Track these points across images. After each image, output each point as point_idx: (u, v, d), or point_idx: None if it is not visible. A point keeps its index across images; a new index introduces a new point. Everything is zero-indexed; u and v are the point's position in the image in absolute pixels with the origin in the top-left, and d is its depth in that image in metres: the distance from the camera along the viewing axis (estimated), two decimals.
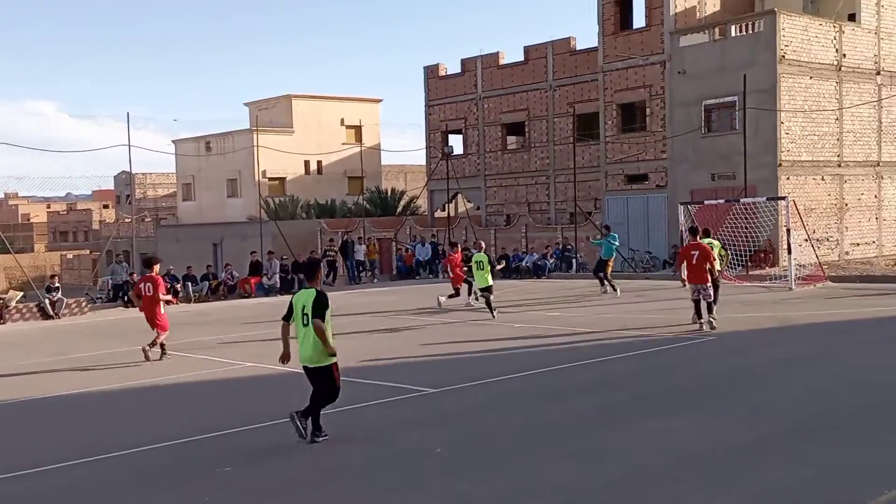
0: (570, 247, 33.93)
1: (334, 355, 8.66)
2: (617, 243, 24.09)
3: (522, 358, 13.77)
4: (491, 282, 19.67)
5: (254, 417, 10.03)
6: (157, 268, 15.75)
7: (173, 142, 58.04)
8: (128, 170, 35.62)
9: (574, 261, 32.90)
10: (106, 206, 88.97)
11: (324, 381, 8.71)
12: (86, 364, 15.17)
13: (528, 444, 8.44)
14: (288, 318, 8.93)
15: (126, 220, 54.98)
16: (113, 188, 78.09)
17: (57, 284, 26.36)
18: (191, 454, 8.66)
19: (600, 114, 36.62)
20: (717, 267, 16.92)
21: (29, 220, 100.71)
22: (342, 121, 57.38)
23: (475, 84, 43.13)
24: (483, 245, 21.51)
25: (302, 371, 8.87)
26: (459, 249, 23.33)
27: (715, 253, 16.86)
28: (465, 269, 21.38)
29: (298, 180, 54.69)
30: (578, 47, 39.41)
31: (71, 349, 17.55)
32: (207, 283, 29.46)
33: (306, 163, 54.90)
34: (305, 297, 8.76)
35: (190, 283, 28.92)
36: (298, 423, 8.53)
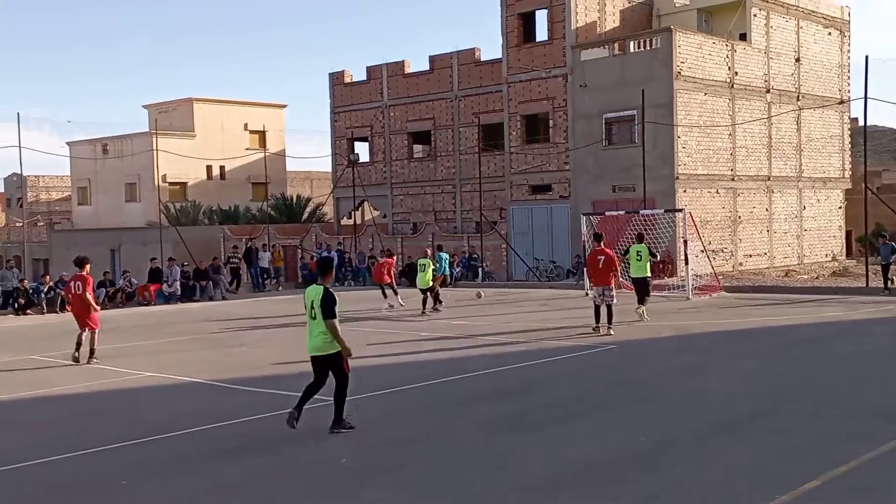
0: (476, 255, 34.23)
1: (350, 354, 9.32)
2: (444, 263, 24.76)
3: (427, 367, 13.82)
4: (430, 283, 21.88)
5: (150, 428, 9.77)
6: (87, 267, 15.66)
7: (68, 144, 56.05)
8: (19, 172, 34.22)
9: (480, 269, 33.22)
10: None
11: (333, 368, 9.26)
12: None
13: (434, 453, 8.48)
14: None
15: (17, 224, 52.76)
16: (2, 191, 74.77)
17: None
18: (89, 466, 8.37)
19: (505, 124, 37.09)
20: (647, 270, 18.85)
21: None
22: (246, 125, 56.48)
23: (381, 92, 43.10)
24: (428, 251, 23.41)
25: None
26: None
27: (645, 255, 18.65)
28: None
29: (200, 185, 53.54)
30: (483, 58, 39.85)
31: None
32: (104, 290, 28.51)
33: (209, 168, 53.82)
34: (314, 292, 9.29)
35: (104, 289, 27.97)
36: (294, 415, 9.19)
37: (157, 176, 43.90)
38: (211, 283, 30.13)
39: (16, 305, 26.53)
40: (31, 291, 27.22)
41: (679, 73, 31.96)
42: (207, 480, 7.74)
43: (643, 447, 8.34)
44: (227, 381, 12.82)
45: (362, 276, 33.70)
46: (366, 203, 43.77)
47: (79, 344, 15.32)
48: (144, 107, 57.41)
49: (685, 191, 32.19)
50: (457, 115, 40.38)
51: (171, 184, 51.12)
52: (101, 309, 27.05)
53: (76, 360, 15.15)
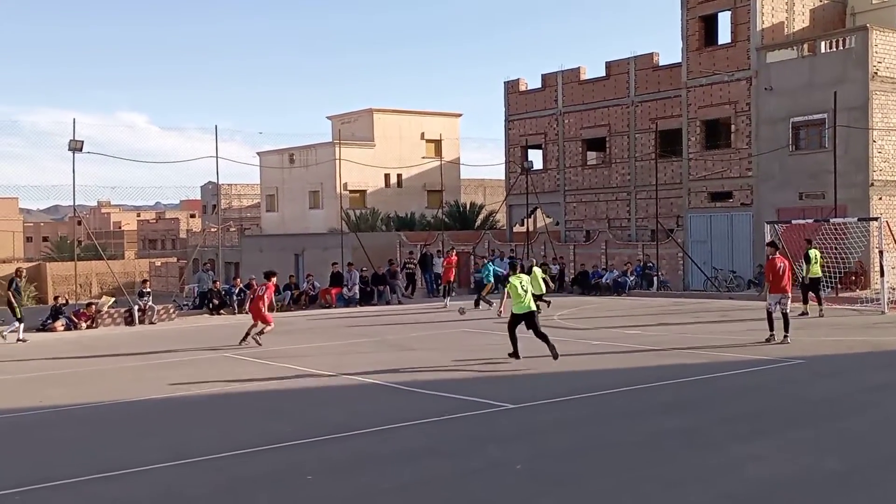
0: (651, 264, 33.44)
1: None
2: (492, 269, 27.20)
3: (601, 376, 13.63)
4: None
5: (334, 427, 10.16)
6: (274, 279, 19.48)
7: (258, 154, 59.33)
8: (214, 180, 36.53)
9: (655, 278, 32.43)
10: (193, 216, 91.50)
11: (534, 317, 14.63)
12: (173, 368, 15.60)
13: (609, 465, 8.34)
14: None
15: (212, 229, 56.38)
16: (200, 198, 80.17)
17: (148, 290, 27.21)
18: (274, 461, 8.80)
19: (683, 130, 36.07)
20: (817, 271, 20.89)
21: (120, 227, 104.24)
22: (422, 135, 57.84)
23: (555, 99, 42.98)
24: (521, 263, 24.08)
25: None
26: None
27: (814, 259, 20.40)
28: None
29: (378, 193, 55.29)
30: (661, 63, 38.95)
31: (160, 353, 18.08)
32: (290, 292, 29.97)
33: (386, 176, 55.49)
34: (525, 279, 15.11)
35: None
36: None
37: (339, 184, 45.71)
38: (388, 287, 31.01)
39: (210, 306, 28.33)
40: (223, 293, 29.00)
41: (875, 73, 30.00)
42: (386, 480, 7.95)
43: (833, 469, 7.87)
44: (405, 384, 13.15)
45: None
46: (538, 210, 43.73)
47: (247, 334, 18.47)
48: (328, 118, 59.96)
49: (881, 198, 30.14)
50: (633, 121, 39.67)
51: (351, 191, 53.04)
52: (286, 311, 28.57)
53: (257, 342, 18.22)
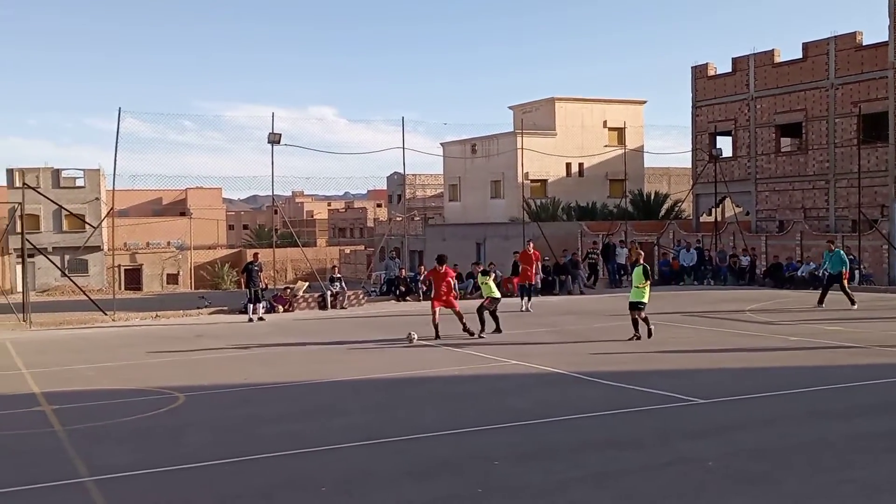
0: (852, 256, 31.45)
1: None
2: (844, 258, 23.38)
3: (795, 373, 13.00)
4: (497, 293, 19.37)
5: (518, 414, 10.29)
6: (445, 266, 18.93)
7: (441, 144, 60.50)
8: (400, 171, 37.66)
9: (857, 272, 30.47)
10: (379, 205, 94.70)
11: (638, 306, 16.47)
12: (364, 352, 16.28)
13: (803, 466, 7.98)
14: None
15: (397, 218, 58.15)
16: (386, 188, 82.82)
17: (339, 275, 28.48)
18: (459, 446, 9.03)
19: (890, 114, 33.62)
20: None
21: (312, 216, 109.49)
22: (605, 123, 57.01)
23: (747, 83, 41.18)
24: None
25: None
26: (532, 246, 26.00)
27: None
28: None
29: (560, 182, 55.06)
30: (865, 42, 36.45)
31: (351, 337, 18.90)
32: (472, 281, 30.44)
33: (568, 165, 55.15)
34: (637, 269, 16.85)
35: (456, 281, 30.06)
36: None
37: (521, 173, 45.89)
38: (570, 277, 30.88)
39: (397, 292, 29.28)
40: (409, 280, 29.89)
41: None
42: (575, 469, 7.98)
43: None
44: (588, 374, 13.09)
45: (723, 276, 32.50)
46: (727, 199, 42.10)
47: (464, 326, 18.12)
48: (510, 108, 60.25)
49: None
50: (832, 104, 37.41)
51: (532, 181, 53.10)
52: (468, 299, 29.04)
53: (471, 332, 18.02)
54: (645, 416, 10.18)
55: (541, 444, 8.92)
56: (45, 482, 7.93)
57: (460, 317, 18.15)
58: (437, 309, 18.15)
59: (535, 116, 56.29)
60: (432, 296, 19.02)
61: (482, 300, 19.14)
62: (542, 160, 49.52)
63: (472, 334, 17.95)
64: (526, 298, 24.37)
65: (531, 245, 25.93)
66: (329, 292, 27.06)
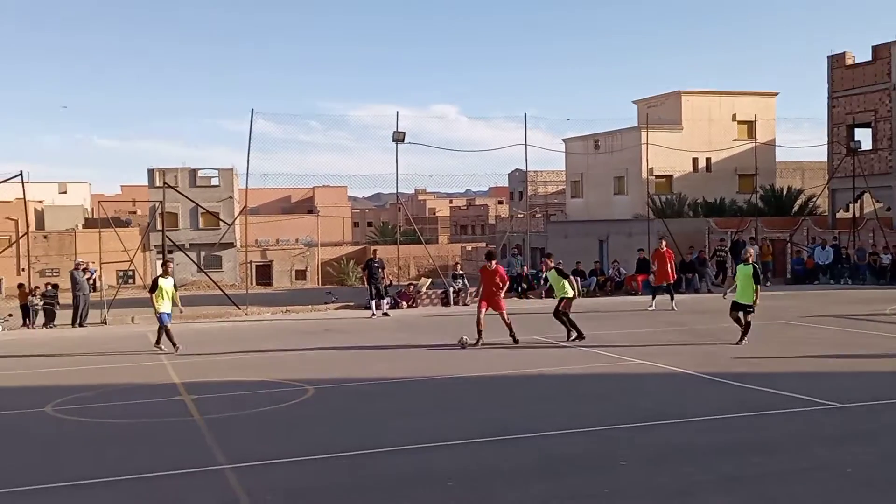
0: None
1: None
2: None
3: None
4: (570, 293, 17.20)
5: (644, 414, 10.12)
6: (494, 262, 17.49)
7: (563, 140, 60.01)
8: (521, 168, 37.62)
9: None
10: (500, 202, 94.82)
11: (747, 309, 15.71)
12: (483, 349, 16.35)
13: None
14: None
15: (519, 215, 58.07)
16: (507, 185, 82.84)
17: (460, 272, 28.70)
18: (586, 444, 8.96)
19: None
20: None
21: (435, 214, 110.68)
22: (734, 116, 55.20)
23: (889, 72, 39.06)
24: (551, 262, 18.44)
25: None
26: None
27: None
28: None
29: (686, 178, 53.69)
30: None
31: (471, 334, 18.99)
32: (595, 278, 30.14)
33: (694, 160, 53.72)
34: (745, 269, 15.95)
35: (579, 278, 29.79)
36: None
37: (645, 169, 45.02)
38: (697, 275, 30.12)
39: (519, 290, 29.26)
40: (531, 277, 29.83)
41: None
42: (704, 472, 7.78)
43: None
44: (717, 375, 12.75)
45: (862, 275, 30.99)
46: (866, 194, 40.07)
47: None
48: (634, 102, 59.19)
49: None
50: None
51: (657, 177, 51.99)
52: (591, 296, 28.78)
53: (516, 340, 16.69)
54: (777, 419, 9.83)
55: (669, 446, 8.75)
56: (186, 468, 8.33)
57: (506, 322, 16.79)
58: (485, 310, 16.79)
59: (661, 110, 55.07)
60: (480, 296, 17.62)
61: (557, 303, 17.31)
62: (667, 155, 48.42)
63: (517, 342, 16.60)
64: (670, 297, 23.76)
65: (664, 243, 24.92)
66: (452, 289, 27.31)
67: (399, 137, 29.18)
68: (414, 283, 29.97)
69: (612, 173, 55.95)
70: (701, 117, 54.46)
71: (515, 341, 16.64)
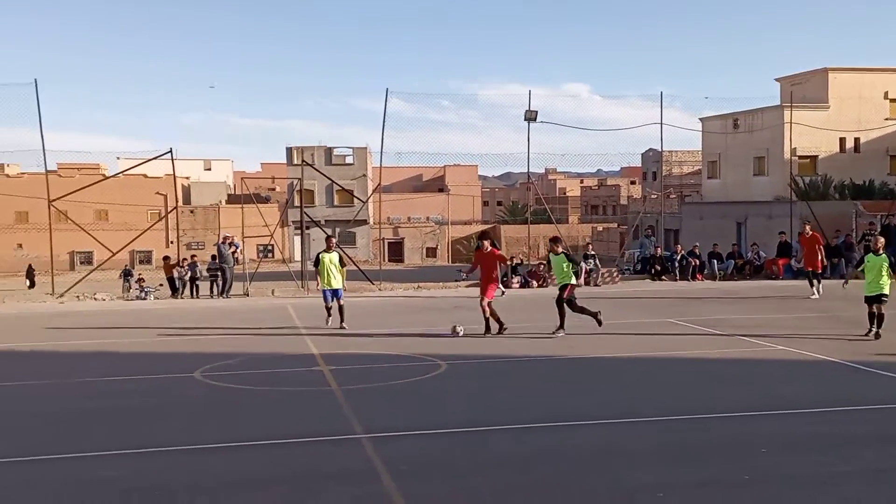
0: None
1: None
2: None
3: None
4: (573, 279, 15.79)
5: (786, 401, 9.78)
6: (486, 244, 16.27)
7: (700, 119, 58.14)
8: (655, 147, 36.77)
9: None
10: (633, 183, 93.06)
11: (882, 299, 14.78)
12: (613, 332, 16.17)
13: None
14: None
15: (652, 196, 56.89)
16: (640, 165, 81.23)
17: (592, 252, 28.43)
18: (724, 429, 8.75)
19: None
20: None
21: (565, 194, 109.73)
22: (885, 94, 52.10)
23: None
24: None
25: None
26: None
27: None
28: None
29: (832, 158, 51.11)
30: None
31: (603, 315, 18.79)
32: (733, 261, 29.22)
33: (841, 140, 51.03)
34: (877, 260, 15.06)
35: (716, 261, 28.98)
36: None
37: (788, 149, 43.15)
38: (843, 260, 28.77)
39: (652, 271, 28.72)
40: (664, 259, 29.20)
41: None
42: (850, 463, 7.45)
43: None
44: (863, 364, 12.16)
45: None
46: None
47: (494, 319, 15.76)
48: (776, 80, 56.73)
49: None
50: None
51: (800, 157, 49.73)
52: (728, 279, 27.94)
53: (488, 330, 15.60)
54: None
55: (810, 435, 8.44)
56: (325, 436, 8.64)
57: (490, 311, 15.65)
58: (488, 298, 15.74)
59: (805, 88, 52.57)
60: (481, 283, 16.40)
61: (560, 290, 15.84)
62: (811, 135, 46.24)
63: (489, 332, 15.64)
64: (817, 283, 22.30)
65: (808, 227, 23.41)
66: (582, 269, 27.07)
67: (531, 116, 29.07)
68: (544, 262, 29.87)
69: (751, 153, 53.88)
70: (850, 95, 51.65)
71: (488, 330, 15.67)
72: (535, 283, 26.50)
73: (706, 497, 6.68)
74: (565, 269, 15.81)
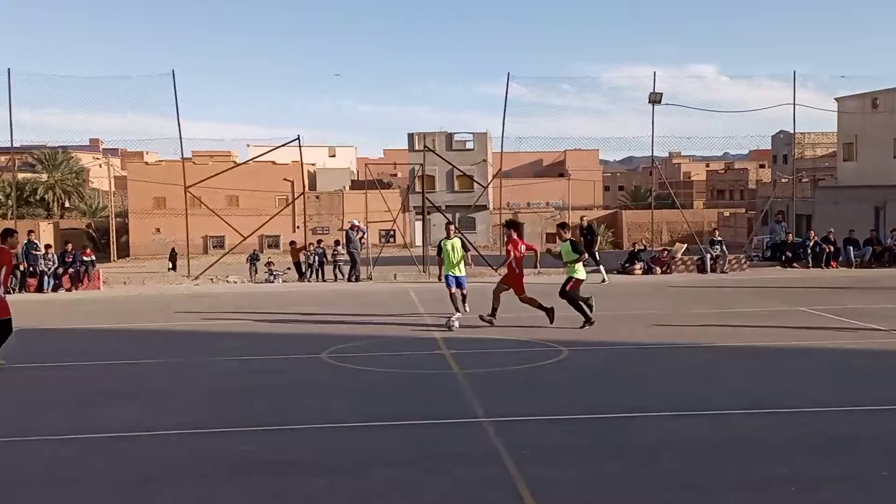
0: None
1: None
2: None
3: None
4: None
5: None
6: (512, 233, 16.03)
7: (836, 99, 55.47)
8: (786, 129, 35.32)
9: None
10: (762, 166, 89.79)
11: None
12: (741, 320, 15.68)
13: None
14: None
15: (783, 180, 54.75)
16: (770, 148, 78.20)
17: (719, 238, 27.65)
18: (859, 423, 8.37)
19: None
20: None
21: (689, 178, 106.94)
22: None
23: None
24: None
25: None
26: None
27: None
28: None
29: None
30: None
31: (730, 303, 18.28)
32: (870, 248, 27.84)
33: None
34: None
35: (851, 248, 27.69)
36: None
37: None
38: None
39: (783, 258, 27.71)
40: (796, 245, 28.11)
41: None
42: None
43: None
44: None
45: None
46: None
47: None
48: None
49: None
50: None
51: None
52: (866, 267, 26.60)
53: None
54: None
55: None
56: (448, 418, 8.75)
57: (528, 299, 15.42)
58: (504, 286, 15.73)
59: None
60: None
61: (565, 282, 15.19)
62: None
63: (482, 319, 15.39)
64: None
65: None
66: (708, 255, 26.35)
67: (656, 99, 28.44)
68: (668, 248, 29.24)
69: (891, 135, 51.06)
70: None
71: (480, 318, 15.46)
72: (658, 269, 25.99)
73: (843, 492, 6.42)
74: (574, 260, 15.14)
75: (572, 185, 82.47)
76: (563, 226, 15.94)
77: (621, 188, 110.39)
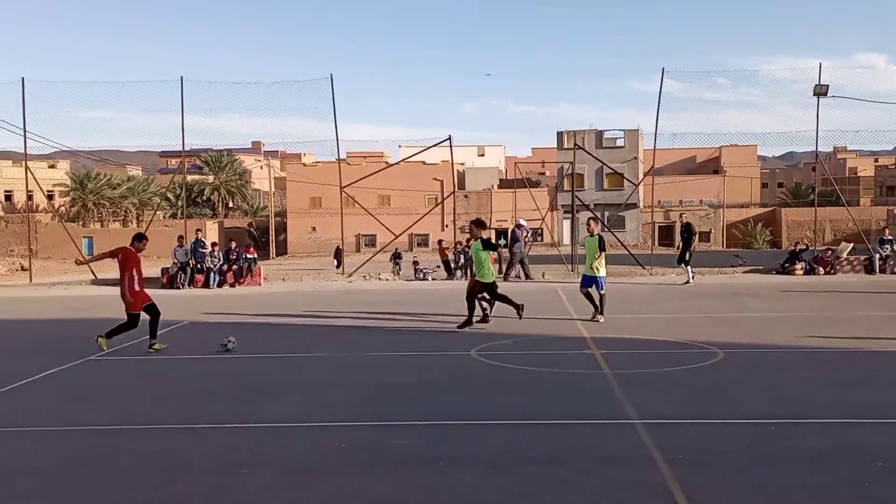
0: None
1: None
2: None
3: None
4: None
5: None
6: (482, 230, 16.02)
7: None
8: None
9: None
10: None
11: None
12: None
13: None
14: None
15: None
16: None
17: (889, 237, 26.04)
18: None
19: None
20: None
21: (856, 173, 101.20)
22: None
23: None
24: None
25: None
26: None
27: None
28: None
29: None
30: None
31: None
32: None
33: None
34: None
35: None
36: None
37: None
38: None
39: None
40: None
41: None
42: None
43: None
44: None
45: None
46: None
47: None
48: None
49: None
50: None
51: None
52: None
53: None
54: None
55: None
56: (598, 419, 8.66)
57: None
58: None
59: None
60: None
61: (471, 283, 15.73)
62: None
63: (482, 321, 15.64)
64: None
65: None
66: (877, 256, 24.88)
67: (821, 91, 27.08)
68: (832, 247, 27.80)
69: None
70: None
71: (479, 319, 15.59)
72: (821, 269, 24.75)
73: None
74: (482, 262, 15.26)
75: (728, 181, 79.71)
76: (477, 223, 16.06)
77: (780, 185, 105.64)
